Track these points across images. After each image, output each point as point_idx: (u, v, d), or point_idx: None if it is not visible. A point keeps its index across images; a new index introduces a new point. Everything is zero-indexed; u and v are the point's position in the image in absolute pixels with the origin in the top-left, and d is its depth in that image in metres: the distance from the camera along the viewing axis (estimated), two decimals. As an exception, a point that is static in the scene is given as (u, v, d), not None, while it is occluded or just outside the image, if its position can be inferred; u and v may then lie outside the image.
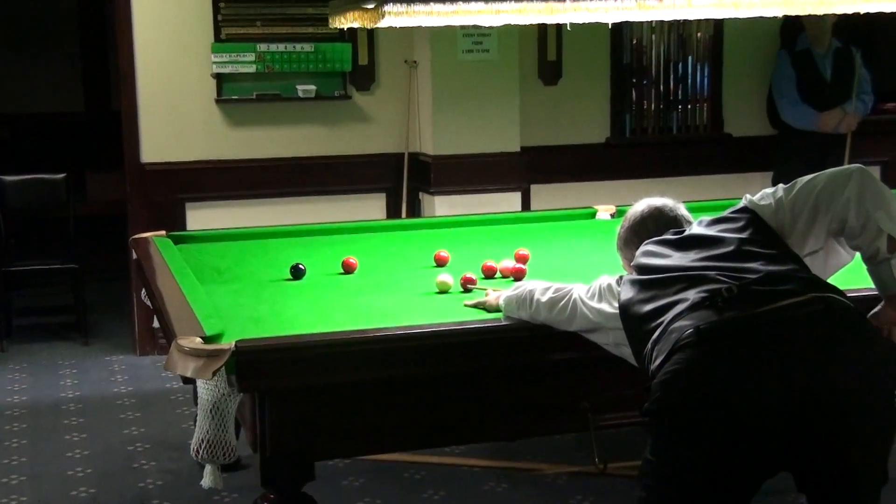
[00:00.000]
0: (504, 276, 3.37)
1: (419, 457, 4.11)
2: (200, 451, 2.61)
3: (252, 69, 5.67)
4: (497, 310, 2.86)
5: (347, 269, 3.56)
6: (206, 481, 2.69)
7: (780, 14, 3.60)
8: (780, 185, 2.55)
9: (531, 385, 2.79)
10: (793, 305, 2.28)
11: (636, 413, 2.81)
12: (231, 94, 5.72)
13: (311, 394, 2.59)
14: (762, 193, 2.56)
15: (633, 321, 2.48)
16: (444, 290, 3.23)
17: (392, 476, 4.01)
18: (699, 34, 6.33)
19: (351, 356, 2.60)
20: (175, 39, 5.63)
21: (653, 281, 2.48)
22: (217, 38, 5.65)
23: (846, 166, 2.53)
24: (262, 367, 2.51)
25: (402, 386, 2.69)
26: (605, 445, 2.81)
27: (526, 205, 5.92)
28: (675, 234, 2.62)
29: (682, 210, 2.79)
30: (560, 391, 2.81)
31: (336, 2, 3.90)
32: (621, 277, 2.58)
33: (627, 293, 2.51)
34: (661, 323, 2.38)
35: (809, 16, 4.75)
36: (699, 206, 4.64)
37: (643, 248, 2.62)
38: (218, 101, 5.71)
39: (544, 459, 4.11)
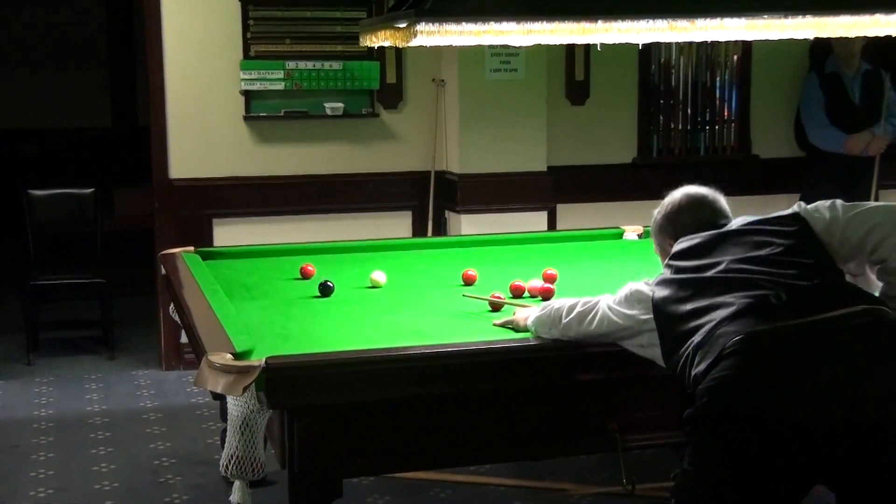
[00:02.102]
0: (532, 296, 3.37)
1: (445, 475, 4.10)
2: (229, 467, 2.62)
3: (280, 86, 5.70)
4: (526, 330, 2.86)
5: (305, 275, 3.68)
6: (235, 497, 2.70)
7: (809, 36, 3.59)
8: (839, 202, 2.51)
9: (558, 405, 2.79)
10: (844, 316, 2.24)
11: (664, 434, 2.82)
12: (259, 111, 5.76)
13: (339, 411, 2.60)
14: (817, 205, 2.52)
15: (668, 320, 2.44)
16: (375, 286, 3.56)
17: (417, 494, 4.00)
18: (727, 55, 6.33)
19: (379, 374, 2.60)
20: (204, 56, 5.67)
21: (691, 281, 2.44)
22: (246, 55, 5.69)
23: None
24: (291, 384, 2.51)
25: (430, 404, 2.69)
26: (632, 466, 2.80)
27: (552, 224, 5.91)
28: (715, 230, 2.56)
29: (721, 203, 2.71)
30: (587, 411, 2.80)
31: (367, 20, 3.92)
32: (648, 281, 2.56)
33: (662, 291, 2.47)
34: (704, 325, 2.33)
35: (839, 38, 4.74)
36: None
37: (679, 245, 2.58)
38: (246, 118, 5.75)
39: (570, 480, 4.09)
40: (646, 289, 2.54)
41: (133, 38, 9.81)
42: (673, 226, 2.69)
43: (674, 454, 2.94)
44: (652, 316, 2.50)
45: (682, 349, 2.37)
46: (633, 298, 2.57)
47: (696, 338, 2.34)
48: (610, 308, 2.62)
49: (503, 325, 2.97)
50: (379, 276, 3.65)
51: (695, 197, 2.72)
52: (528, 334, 2.83)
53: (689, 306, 2.39)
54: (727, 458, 2.25)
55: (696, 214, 2.67)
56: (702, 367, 2.29)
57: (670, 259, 2.58)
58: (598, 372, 2.74)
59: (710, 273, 2.43)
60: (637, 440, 2.84)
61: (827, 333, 2.23)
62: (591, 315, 2.65)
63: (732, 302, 2.32)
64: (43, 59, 10.23)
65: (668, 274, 2.54)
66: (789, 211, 2.55)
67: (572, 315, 2.68)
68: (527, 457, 3.15)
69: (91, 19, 10.35)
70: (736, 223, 2.59)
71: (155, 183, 5.76)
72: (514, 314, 2.99)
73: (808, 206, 2.54)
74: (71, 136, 10.15)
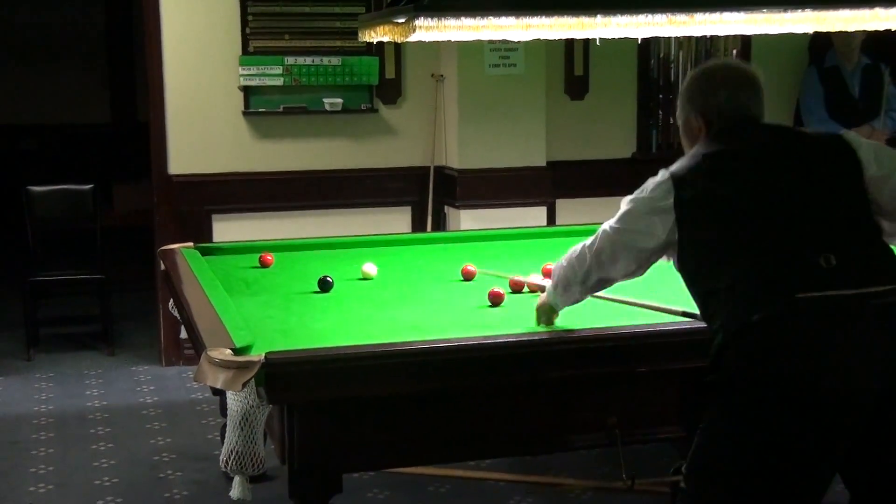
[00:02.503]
0: (532, 291, 3.36)
1: (444, 470, 4.11)
2: (229, 463, 2.62)
3: (279, 82, 5.70)
4: (553, 311, 2.80)
5: (263, 264, 3.80)
6: (235, 492, 2.70)
7: (809, 30, 3.59)
8: (881, 147, 2.43)
9: (557, 399, 2.78)
10: (889, 292, 2.20)
11: (663, 429, 2.82)
12: (258, 106, 5.75)
13: (339, 406, 2.60)
14: (861, 141, 2.41)
15: (697, 252, 2.33)
16: (366, 278, 3.62)
17: (417, 489, 4.01)
18: (727, 50, 6.32)
19: (379, 369, 2.60)
20: (203, 52, 5.67)
21: (729, 215, 2.30)
22: (245, 51, 5.68)
23: None
24: (291, 380, 2.51)
25: (429, 399, 2.68)
26: (632, 461, 2.80)
27: (551, 219, 5.91)
28: (758, 132, 2.41)
29: (763, 89, 2.50)
30: (586, 406, 2.80)
31: (366, 16, 3.92)
32: (664, 180, 2.41)
33: (693, 217, 2.34)
34: (743, 274, 2.24)
35: (838, 32, 4.73)
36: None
37: (715, 144, 2.38)
38: (245, 114, 5.74)
39: (570, 474, 4.10)
40: (666, 198, 2.38)
41: (132, 34, 9.80)
42: (705, 99, 2.46)
43: (674, 449, 2.94)
44: (674, 222, 2.36)
45: (716, 288, 2.27)
46: (652, 206, 2.41)
47: (734, 282, 2.23)
48: (621, 230, 2.48)
49: (543, 323, 2.85)
50: (370, 268, 3.68)
51: (736, 73, 2.50)
52: (527, 329, 2.82)
53: (725, 246, 2.28)
54: (755, 427, 2.19)
55: (735, 96, 2.45)
56: (736, 323, 2.21)
57: (705, 159, 2.38)
58: (597, 366, 2.74)
59: (756, 204, 2.28)
60: (636, 435, 2.83)
61: (873, 308, 2.18)
62: (605, 248, 2.51)
63: (776, 255, 2.23)
64: (42, 56, 10.22)
65: (702, 182, 2.34)
66: (836, 135, 2.43)
67: (587, 262, 2.55)
68: (526, 452, 3.15)
69: (90, 16, 10.34)
70: (777, 135, 2.44)
71: (154, 179, 5.76)
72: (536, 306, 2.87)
73: (852, 136, 2.41)
74: (70, 132, 10.15)
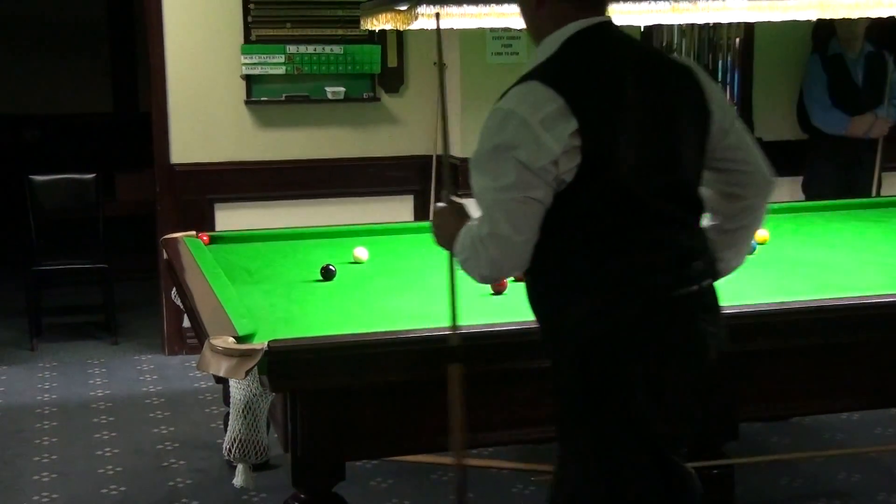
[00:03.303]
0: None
1: (447, 458, 4.10)
2: (232, 451, 2.63)
3: (281, 71, 5.69)
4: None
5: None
6: (238, 480, 2.71)
7: (812, 17, 3.59)
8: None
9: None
10: (711, 287, 2.26)
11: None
12: (260, 95, 5.75)
13: (341, 394, 2.60)
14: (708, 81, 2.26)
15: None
16: (357, 262, 3.67)
17: (420, 477, 4.01)
18: (730, 37, 6.31)
19: (381, 357, 2.60)
20: (205, 41, 5.66)
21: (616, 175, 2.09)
22: (247, 40, 5.68)
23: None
24: (294, 368, 2.51)
25: (432, 387, 2.68)
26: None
27: (554, 208, 5.90)
28: (628, 60, 2.16)
29: None
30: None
31: (368, 4, 3.91)
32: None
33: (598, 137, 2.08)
34: (620, 259, 2.13)
35: (842, 19, 4.72)
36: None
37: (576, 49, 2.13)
38: (247, 103, 5.74)
39: (572, 463, 4.10)
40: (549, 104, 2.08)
41: (134, 24, 9.78)
42: None
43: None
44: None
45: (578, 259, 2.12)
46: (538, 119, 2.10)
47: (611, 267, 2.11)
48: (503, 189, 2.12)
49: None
50: (361, 252, 3.70)
51: None
52: (530, 318, 2.81)
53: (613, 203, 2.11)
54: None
55: None
56: (591, 308, 2.12)
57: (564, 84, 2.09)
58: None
59: (642, 164, 2.10)
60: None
61: (702, 301, 2.22)
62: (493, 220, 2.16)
63: (651, 243, 2.13)
64: (44, 45, 10.20)
65: (561, 102, 2.06)
66: (682, 61, 2.27)
67: (482, 243, 2.19)
68: (529, 440, 3.15)
69: (92, 4, 10.32)
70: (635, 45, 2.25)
71: (156, 168, 5.76)
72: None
73: (700, 70, 2.25)
74: (72, 121, 10.14)
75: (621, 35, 2.25)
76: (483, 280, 2.30)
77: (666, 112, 2.17)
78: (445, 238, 2.37)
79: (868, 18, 5.16)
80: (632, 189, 2.12)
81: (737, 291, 3.06)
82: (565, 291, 2.17)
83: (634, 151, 2.11)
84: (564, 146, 2.06)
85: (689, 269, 2.16)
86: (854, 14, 3.55)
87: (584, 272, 2.14)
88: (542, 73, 2.16)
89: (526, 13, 2.33)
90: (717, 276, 2.29)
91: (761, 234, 3.85)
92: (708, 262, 2.25)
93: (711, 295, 2.27)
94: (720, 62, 6.33)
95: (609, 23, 2.22)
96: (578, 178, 2.08)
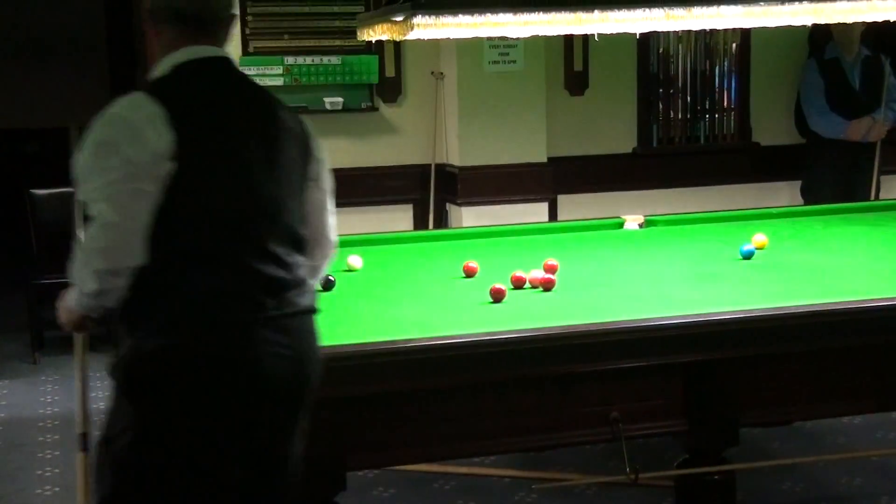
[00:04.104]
0: (533, 287, 3.37)
1: (449, 467, 4.12)
2: (234, 462, 2.62)
3: (280, 82, 5.71)
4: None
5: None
6: (240, 491, 2.70)
7: (808, 23, 3.60)
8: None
9: (561, 395, 2.79)
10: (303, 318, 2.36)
11: (666, 423, 2.83)
12: (259, 106, 5.76)
13: (342, 404, 2.61)
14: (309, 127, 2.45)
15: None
16: (350, 270, 3.68)
17: (422, 487, 4.02)
18: (727, 43, 6.33)
19: (382, 367, 2.61)
20: (204, 53, 5.67)
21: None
22: (245, 52, 5.69)
23: None
24: (294, 378, 2.52)
25: (433, 396, 2.69)
26: (635, 455, 2.81)
27: (553, 215, 5.92)
28: (226, 83, 2.33)
29: None
30: (589, 401, 2.81)
31: (364, 14, 3.93)
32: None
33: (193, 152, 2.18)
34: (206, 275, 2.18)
35: (838, 24, 4.74)
36: (727, 215, 4.65)
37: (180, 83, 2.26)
38: (246, 114, 5.75)
39: (574, 470, 4.11)
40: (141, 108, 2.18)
41: (133, 37, 9.81)
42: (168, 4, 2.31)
43: (676, 442, 2.95)
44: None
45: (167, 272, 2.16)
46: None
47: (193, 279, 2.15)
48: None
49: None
50: (355, 260, 3.72)
51: None
52: (529, 325, 2.82)
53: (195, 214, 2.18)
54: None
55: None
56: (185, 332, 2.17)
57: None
58: (599, 361, 2.74)
59: (232, 192, 2.21)
60: (639, 429, 2.84)
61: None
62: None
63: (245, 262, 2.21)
64: (43, 59, 10.22)
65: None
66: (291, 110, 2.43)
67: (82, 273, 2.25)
68: (530, 447, 3.16)
69: (91, 18, 10.35)
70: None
71: (156, 180, 5.76)
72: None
73: (309, 123, 2.45)
74: (73, 135, 10.17)
75: (235, 72, 2.39)
76: (99, 282, 2.23)
77: (267, 149, 2.31)
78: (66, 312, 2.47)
79: (864, 22, 5.19)
80: (217, 215, 2.21)
81: (736, 296, 3.08)
82: (142, 299, 2.21)
83: (229, 181, 2.23)
84: (164, 151, 2.16)
85: (275, 299, 2.25)
86: (849, 19, 3.57)
87: (160, 286, 2.19)
88: (148, 88, 2.29)
89: (147, 36, 2.46)
90: (312, 309, 2.38)
91: (760, 239, 3.86)
92: (301, 294, 2.33)
93: (301, 327, 2.33)
94: (717, 68, 6.36)
95: (223, 58, 2.37)
96: (169, 193, 2.16)
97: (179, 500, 2.22)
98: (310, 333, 2.36)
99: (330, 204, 2.54)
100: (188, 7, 2.31)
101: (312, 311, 2.38)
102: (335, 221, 2.55)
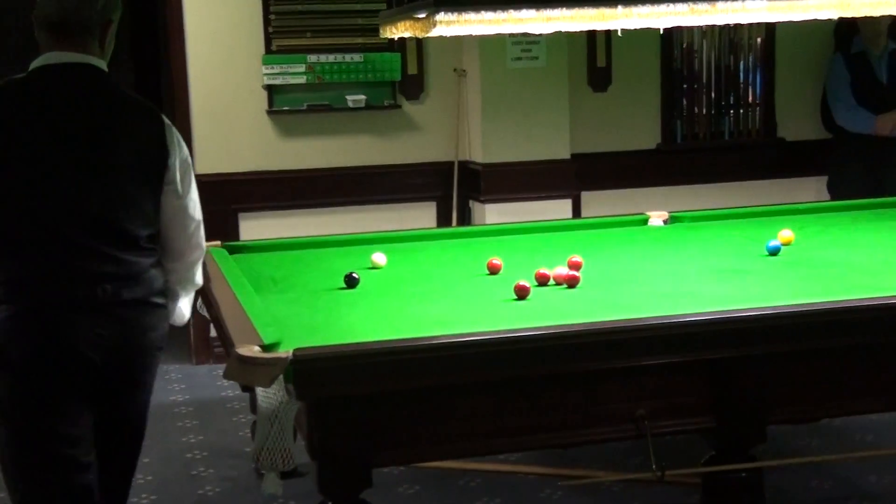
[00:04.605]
0: (558, 284, 3.36)
1: (475, 464, 4.11)
2: (260, 459, 2.63)
3: (302, 80, 5.72)
4: None
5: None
6: (267, 488, 2.72)
7: (833, 16, 3.57)
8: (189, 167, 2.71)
9: (586, 392, 2.78)
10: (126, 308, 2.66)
11: (693, 420, 2.82)
12: (282, 105, 5.78)
13: (367, 401, 2.60)
14: (176, 139, 2.68)
15: None
16: (375, 267, 3.69)
17: (447, 483, 4.02)
18: (751, 38, 6.29)
19: (406, 364, 2.61)
20: (226, 51, 5.70)
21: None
22: (268, 50, 5.71)
23: None
24: (319, 375, 2.52)
25: (458, 394, 2.69)
26: (661, 452, 2.79)
27: (577, 212, 5.91)
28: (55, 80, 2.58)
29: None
30: (616, 398, 2.80)
31: (386, 12, 3.93)
32: None
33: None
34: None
35: (864, 17, 4.69)
36: (752, 211, 4.63)
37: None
38: (269, 112, 5.77)
39: (600, 467, 4.09)
40: None
41: (157, 36, 9.85)
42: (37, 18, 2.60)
43: (703, 440, 2.93)
44: None
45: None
46: None
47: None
48: None
49: None
50: (379, 257, 3.73)
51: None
52: (553, 321, 2.81)
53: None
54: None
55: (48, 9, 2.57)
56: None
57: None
58: (626, 358, 2.73)
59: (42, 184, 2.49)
60: (666, 426, 2.83)
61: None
62: None
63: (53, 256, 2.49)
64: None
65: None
66: (145, 101, 2.69)
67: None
68: (555, 445, 3.15)
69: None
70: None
71: (180, 179, 5.79)
72: None
73: (166, 121, 2.68)
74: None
75: (90, 79, 2.59)
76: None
77: (96, 153, 2.53)
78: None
79: (891, 16, 5.14)
80: (26, 213, 2.49)
81: (763, 293, 3.06)
82: None
83: (51, 181, 2.47)
84: None
85: (90, 289, 2.51)
86: (875, 12, 3.53)
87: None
88: (2, 84, 2.55)
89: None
90: (142, 301, 2.64)
91: (786, 234, 3.84)
92: (129, 287, 2.58)
93: (124, 316, 2.59)
94: (741, 63, 6.32)
95: (83, 64, 2.57)
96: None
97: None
98: (134, 322, 2.63)
99: (193, 210, 2.71)
100: (54, 14, 2.54)
101: (142, 302, 2.63)
102: (201, 228, 2.76)
